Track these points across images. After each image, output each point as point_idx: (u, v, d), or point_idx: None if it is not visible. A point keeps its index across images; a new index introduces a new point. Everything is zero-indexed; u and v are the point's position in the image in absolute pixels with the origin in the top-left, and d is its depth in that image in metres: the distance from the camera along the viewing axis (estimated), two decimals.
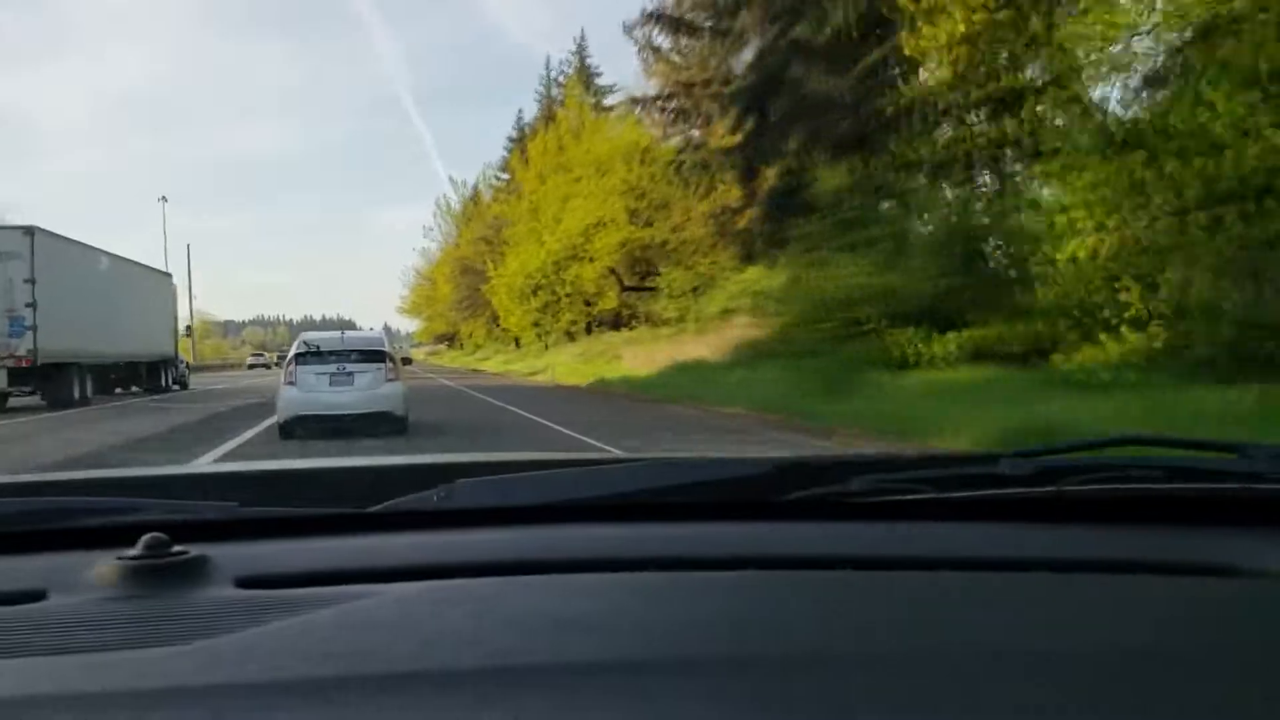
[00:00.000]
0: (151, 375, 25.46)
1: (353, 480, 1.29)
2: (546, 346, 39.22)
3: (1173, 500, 1.05)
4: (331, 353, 11.35)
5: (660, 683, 0.63)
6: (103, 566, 0.83)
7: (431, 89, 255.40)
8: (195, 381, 31.97)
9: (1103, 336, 11.69)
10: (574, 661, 0.66)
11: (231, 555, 0.89)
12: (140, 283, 25.18)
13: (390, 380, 11.29)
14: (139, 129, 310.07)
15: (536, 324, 36.43)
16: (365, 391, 11.10)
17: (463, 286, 54.03)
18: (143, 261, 26.45)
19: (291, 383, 11.20)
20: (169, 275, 30.05)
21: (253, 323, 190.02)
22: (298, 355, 11.37)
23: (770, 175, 21.31)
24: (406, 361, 15.99)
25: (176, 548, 0.84)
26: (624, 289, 31.66)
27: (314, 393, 11.04)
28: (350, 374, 11.17)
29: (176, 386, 27.27)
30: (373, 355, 11.46)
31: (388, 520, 1.05)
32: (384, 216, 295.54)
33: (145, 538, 0.84)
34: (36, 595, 0.81)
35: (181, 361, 29.09)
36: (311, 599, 0.78)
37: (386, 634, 0.71)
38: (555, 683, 0.63)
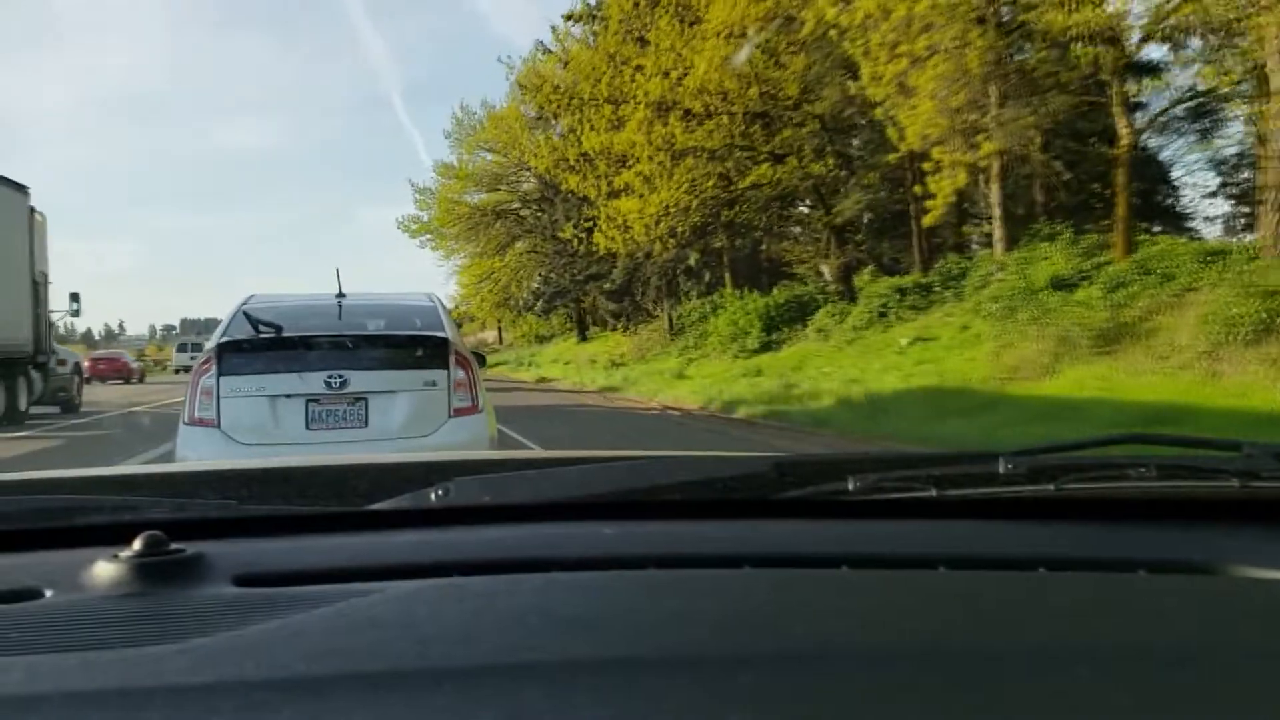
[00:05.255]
0: None
1: (351, 478, 1.22)
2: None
3: (1171, 499, 1.06)
4: (312, 345, 4.75)
5: (658, 681, 0.63)
6: (100, 564, 0.82)
7: (415, 85, 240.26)
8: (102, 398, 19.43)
9: None
10: (572, 659, 0.66)
11: (229, 553, 0.89)
12: None
13: (462, 412, 4.81)
14: (114, 124, 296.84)
15: None
16: (399, 443, 4.58)
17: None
18: None
19: (207, 420, 4.60)
20: (23, 191, 14.86)
21: None
22: (227, 350, 4.72)
23: None
24: (480, 361, 5.45)
25: (174, 545, 0.84)
26: None
27: (265, 446, 4.52)
28: (359, 398, 4.69)
29: (54, 408, 16.27)
30: (417, 352, 4.85)
31: (386, 518, 1.04)
32: (368, 214, 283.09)
33: (142, 535, 0.84)
34: (34, 594, 0.81)
35: (67, 361, 16.98)
36: (309, 597, 0.78)
37: (384, 632, 0.70)
38: (553, 681, 0.62)
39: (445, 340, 5.01)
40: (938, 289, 18.91)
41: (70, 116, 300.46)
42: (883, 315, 18.79)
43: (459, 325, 23.94)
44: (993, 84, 14.02)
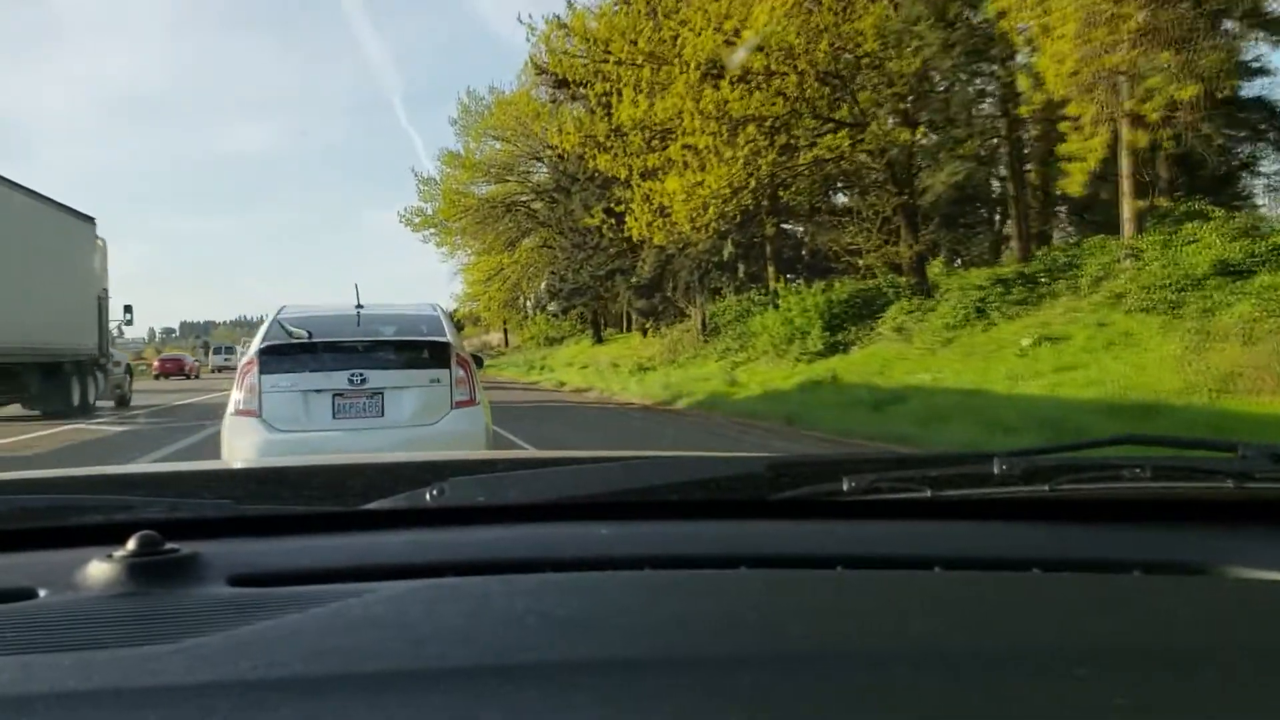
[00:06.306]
0: (51, 386, 15.56)
1: (347, 478, 1.23)
2: None
3: (1166, 500, 1.04)
4: (337, 349, 5.63)
5: (654, 681, 0.63)
6: (94, 564, 0.81)
7: (418, 89, 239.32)
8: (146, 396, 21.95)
9: None
10: (568, 660, 0.66)
11: (225, 553, 0.88)
12: (33, 225, 14.89)
13: (461, 404, 5.66)
14: (116, 128, 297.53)
15: None
16: (410, 430, 5.43)
17: None
18: (44, 194, 15.43)
19: (251, 411, 5.39)
20: (90, 222, 17.77)
21: (233, 323, 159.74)
22: (267, 353, 5.52)
23: None
24: (478, 363, 6.27)
25: (169, 545, 0.83)
26: None
27: (299, 433, 5.35)
28: (376, 393, 5.56)
29: (110, 403, 18.57)
30: (423, 354, 5.76)
31: (381, 518, 1.03)
32: (371, 217, 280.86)
33: (137, 535, 0.83)
34: (28, 593, 0.80)
35: (120, 363, 19.68)
36: (305, 597, 0.77)
37: (380, 632, 0.70)
38: (549, 681, 0.62)
39: (447, 344, 5.82)
40: (1044, 280, 15.92)
41: (73, 119, 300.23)
42: (981, 312, 15.80)
43: (460, 328, 22.36)
44: (1164, 12, 11.04)
